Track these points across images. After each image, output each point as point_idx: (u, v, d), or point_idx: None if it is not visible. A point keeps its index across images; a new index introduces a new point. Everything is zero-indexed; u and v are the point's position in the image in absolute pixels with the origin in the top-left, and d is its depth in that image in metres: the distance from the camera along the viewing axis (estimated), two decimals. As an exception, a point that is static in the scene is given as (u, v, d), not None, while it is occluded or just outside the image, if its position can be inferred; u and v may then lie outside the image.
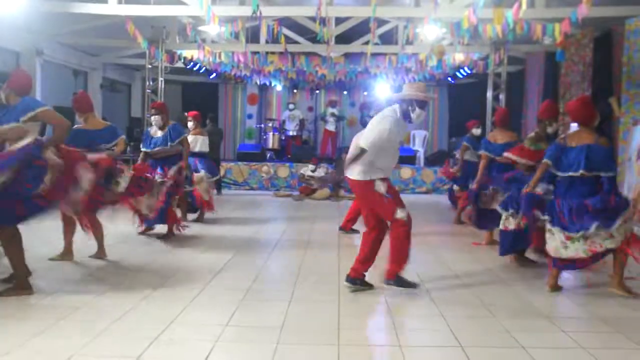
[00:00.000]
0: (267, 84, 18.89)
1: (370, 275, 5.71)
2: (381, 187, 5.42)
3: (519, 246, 6.55)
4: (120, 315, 4.60)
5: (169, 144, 8.02)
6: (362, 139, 5.45)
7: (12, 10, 9.17)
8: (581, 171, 5.49)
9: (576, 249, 5.44)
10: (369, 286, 5.66)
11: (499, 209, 6.56)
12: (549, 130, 6.88)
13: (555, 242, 5.58)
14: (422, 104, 5.55)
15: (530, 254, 6.79)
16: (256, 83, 19.02)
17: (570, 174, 5.56)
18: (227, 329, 4.41)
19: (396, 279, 5.52)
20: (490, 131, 12.77)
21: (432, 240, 8.47)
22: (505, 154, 7.19)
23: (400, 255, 5.51)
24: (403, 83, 18.68)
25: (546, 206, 5.76)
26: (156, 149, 8.05)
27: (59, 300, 5.04)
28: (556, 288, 5.72)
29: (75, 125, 6.85)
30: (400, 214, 5.39)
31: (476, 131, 10.20)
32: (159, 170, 7.88)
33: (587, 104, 5.79)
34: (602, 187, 5.50)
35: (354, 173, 5.53)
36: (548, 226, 5.68)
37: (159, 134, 8.11)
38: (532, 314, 5.02)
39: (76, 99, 6.96)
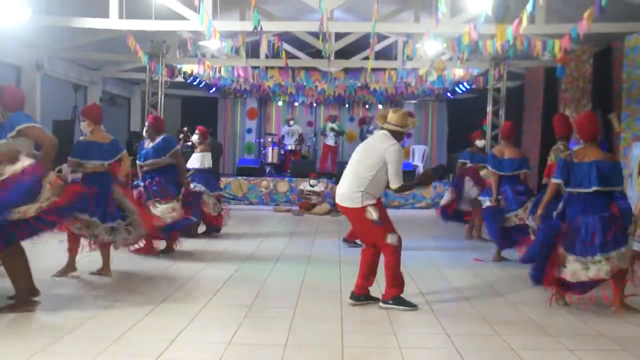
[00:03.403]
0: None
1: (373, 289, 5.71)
2: (373, 214, 5.37)
3: None
4: (122, 334, 4.55)
5: (160, 156, 7.90)
6: (393, 179, 5.39)
7: (13, 25, 9.16)
8: (594, 187, 5.41)
9: (598, 270, 5.31)
10: (375, 300, 5.68)
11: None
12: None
13: (574, 265, 5.43)
14: (398, 136, 5.56)
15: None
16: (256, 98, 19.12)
17: (581, 190, 5.50)
18: (230, 347, 4.36)
19: (395, 299, 5.52)
20: (492, 145, 12.87)
21: (433, 256, 8.43)
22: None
23: (396, 280, 5.54)
24: (400, 102, 19.04)
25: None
26: (148, 161, 7.95)
27: (60, 318, 5.00)
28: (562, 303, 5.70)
29: (83, 137, 6.74)
30: (390, 239, 5.40)
31: (479, 143, 10.03)
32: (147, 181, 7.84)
33: (592, 120, 5.75)
34: (616, 202, 5.45)
35: (344, 200, 5.53)
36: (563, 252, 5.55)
37: (150, 145, 8.03)
38: (536, 332, 4.99)
39: (90, 109, 6.80)
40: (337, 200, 5.62)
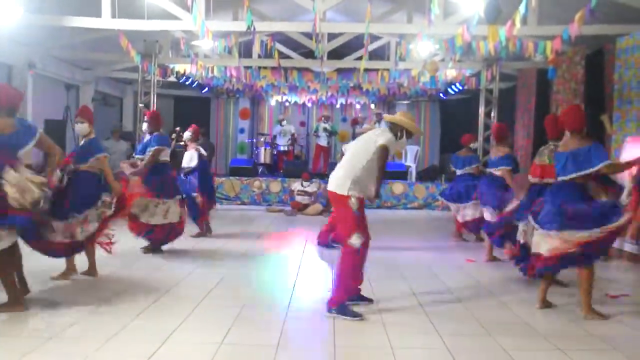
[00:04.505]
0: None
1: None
2: (354, 205, 5.28)
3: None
4: (113, 334, 4.55)
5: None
6: (380, 139, 5.36)
7: (6, 24, 9.13)
8: (560, 177, 5.55)
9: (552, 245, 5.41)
10: (369, 300, 5.68)
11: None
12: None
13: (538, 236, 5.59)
14: (410, 135, 5.66)
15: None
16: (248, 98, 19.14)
17: (559, 178, 5.62)
18: (222, 347, 4.36)
19: (339, 308, 5.24)
20: (485, 146, 13.10)
21: (425, 256, 8.44)
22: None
23: (348, 283, 5.36)
24: (392, 103, 19.10)
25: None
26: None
27: (51, 318, 4.98)
28: (546, 304, 5.71)
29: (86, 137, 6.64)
30: (354, 239, 5.23)
31: (473, 145, 10.04)
32: None
33: (576, 112, 5.77)
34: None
35: (333, 186, 5.46)
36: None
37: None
38: (527, 332, 5.01)
39: (88, 110, 6.87)
40: (328, 187, 5.53)
